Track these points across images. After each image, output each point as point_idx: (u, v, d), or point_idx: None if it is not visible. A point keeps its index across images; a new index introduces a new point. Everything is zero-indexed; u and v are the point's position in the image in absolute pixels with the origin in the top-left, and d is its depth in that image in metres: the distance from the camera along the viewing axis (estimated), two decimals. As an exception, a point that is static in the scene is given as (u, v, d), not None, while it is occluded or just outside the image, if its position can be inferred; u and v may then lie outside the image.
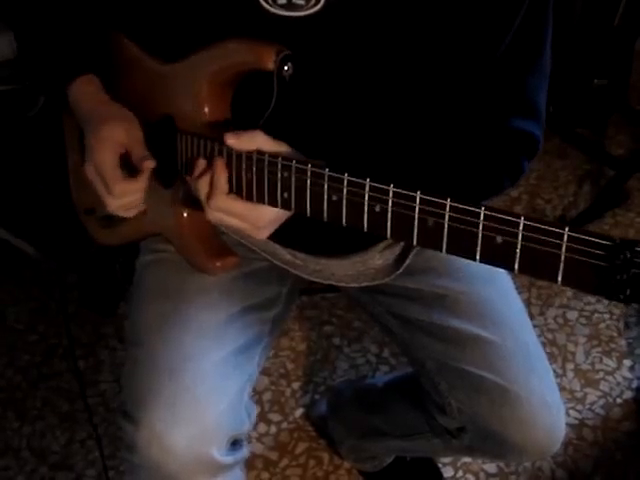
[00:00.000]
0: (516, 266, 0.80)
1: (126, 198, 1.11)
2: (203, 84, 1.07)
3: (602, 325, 2.13)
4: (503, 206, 2.53)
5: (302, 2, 1.01)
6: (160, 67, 1.15)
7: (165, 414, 1.10)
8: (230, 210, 1.03)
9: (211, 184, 1.02)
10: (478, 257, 0.83)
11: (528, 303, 2.16)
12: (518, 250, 0.79)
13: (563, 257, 0.76)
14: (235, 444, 1.20)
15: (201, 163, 1.04)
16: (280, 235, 1.08)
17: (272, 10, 1.03)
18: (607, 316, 2.15)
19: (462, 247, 0.84)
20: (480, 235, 0.82)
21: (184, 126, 1.11)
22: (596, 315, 2.15)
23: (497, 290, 1.24)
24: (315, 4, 1.01)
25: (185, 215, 1.15)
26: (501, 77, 1.09)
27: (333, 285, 1.28)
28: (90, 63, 1.17)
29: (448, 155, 1.14)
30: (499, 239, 0.80)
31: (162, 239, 1.21)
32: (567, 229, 0.76)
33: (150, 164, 1.10)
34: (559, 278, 0.77)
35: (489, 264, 0.83)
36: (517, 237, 0.79)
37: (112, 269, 2.06)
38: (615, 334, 2.11)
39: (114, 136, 1.10)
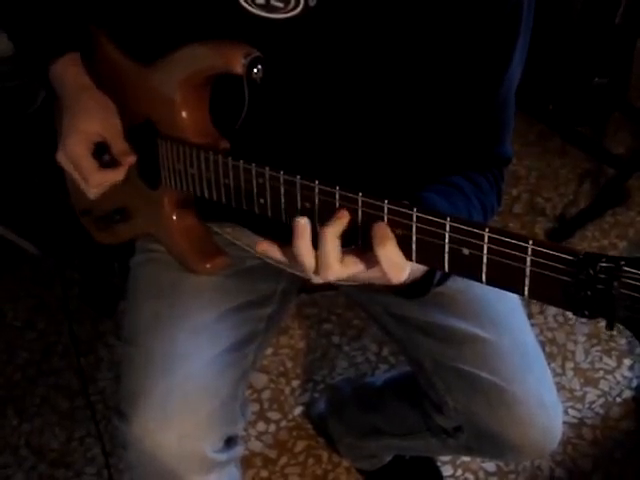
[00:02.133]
0: (483, 278, 0.79)
1: (103, 187, 1.12)
2: (176, 90, 1.06)
3: (602, 324, 2.10)
4: (503, 205, 2.52)
5: (281, 5, 1.00)
6: (137, 69, 1.14)
7: (157, 412, 1.10)
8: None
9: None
10: (447, 268, 0.82)
11: (528, 302, 2.15)
12: (484, 263, 0.78)
13: (528, 271, 0.74)
14: (230, 441, 1.20)
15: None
16: (275, 233, 1.08)
17: (251, 10, 1.02)
18: (607, 315, 2.14)
19: (430, 258, 0.83)
20: (447, 247, 0.80)
21: (164, 130, 1.10)
22: (596, 314, 2.15)
23: (495, 289, 1.23)
24: (293, 8, 1.01)
25: (174, 218, 1.15)
26: (491, 103, 1.09)
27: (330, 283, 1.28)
28: (73, 43, 1.16)
29: (431, 168, 1.13)
30: (466, 251, 0.79)
31: (155, 239, 1.22)
32: (531, 242, 0.74)
33: (131, 159, 1.11)
34: (525, 292, 0.76)
35: (458, 275, 0.82)
36: (482, 250, 0.77)
37: (111, 268, 2.06)
38: (615, 333, 2.10)
39: (89, 126, 1.10)
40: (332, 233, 0.85)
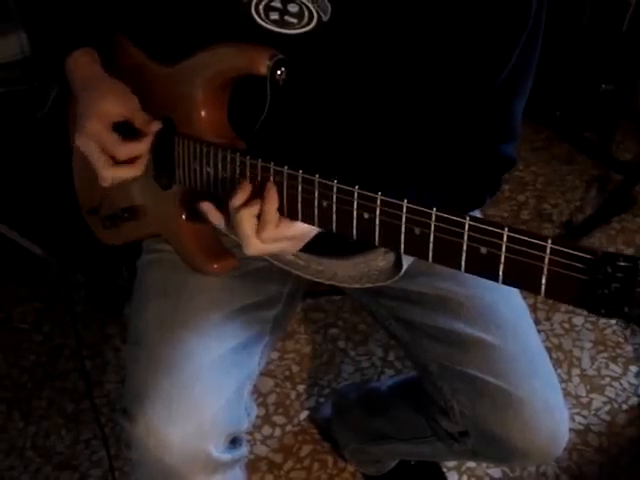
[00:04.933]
0: (500, 277, 0.80)
1: (127, 168, 1.10)
2: (198, 89, 1.07)
3: (608, 331, 2.13)
4: (510, 211, 2.53)
5: (294, 21, 1.03)
6: (158, 70, 1.15)
7: (162, 410, 1.11)
8: (279, 237, 1.02)
9: (260, 216, 0.99)
10: (463, 267, 0.83)
11: (534, 308, 2.15)
12: (502, 261, 0.79)
13: (546, 269, 0.75)
14: (234, 442, 1.21)
15: (244, 190, 1.00)
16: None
17: (265, 25, 1.04)
18: (613, 322, 2.14)
19: (447, 257, 0.84)
20: (465, 246, 0.81)
21: (182, 129, 1.11)
22: (602, 320, 2.14)
23: (501, 293, 1.24)
24: (307, 24, 1.03)
25: (183, 217, 1.15)
26: (491, 108, 1.11)
27: (336, 286, 1.29)
28: (91, 39, 1.17)
29: (435, 171, 1.16)
30: (483, 250, 0.80)
31: (162, 239, 1.22)
32: (549, 241, 0.75)
33: (156, 125, 1.10)
34: (542, 290, 0.76)
35: (474, 274, 0.83)
36: (501, 248, 0.79)
37: (118, 270, 2.07)
38: (621, 340, 2.10)
39: (108, 106, 1.09)
40: (247, 214, 0.98)
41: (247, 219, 0.99)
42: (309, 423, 1.92)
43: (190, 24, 1.11)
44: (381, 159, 1.14)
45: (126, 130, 1.10)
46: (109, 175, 1.09)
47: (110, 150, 1.08)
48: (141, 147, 1.10)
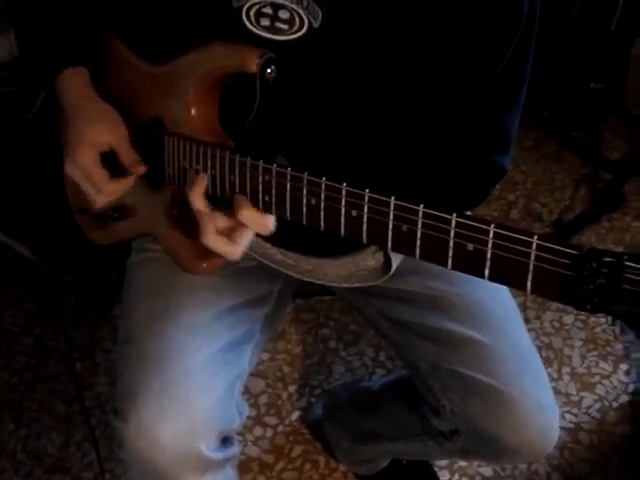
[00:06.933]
0: (486, 274, 0.80)
1: (115, 196, 1.14)
2: (189, 87, 1.08)
3: (598, 329, 2.13)
4: (500, 210, 2.54)
5: (285, 27, 1.03)
6: (148, 69, 1.16)
7: (153, 409, 1.11)
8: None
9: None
10: (450, 264, 0.83)
11: (524, 307, 2.16)
12: (488, 258, 0.79)
13: (532, 266, 0.76)
14: (225, 441, 1.20)
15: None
16: (271, 235, 1.09)
17: (256, 31, 1.05)
18: (603, 320, 2.15)
19: (434, 254, 0.84)
20: (452, 242, 0.82)
21: (172, 128, 1.12)
22: (592, 319, 2.15)
23: (491, 292, 1.24)
24: (298, 30, 1.03)
25: (173, 217, 1.15)
26: (484, 116, 1.12)
27: (326, 286, 1.29)
28: (82, 56, 1.17)
29: (424, 173, 1.16)
30: (470, 246, 0.80)
31: (153, 239, 1.22)
32: (536, 237, 0.75)
33: (141, 170, 1.13)
34: (528, 287, 0.77)
35: (460, 271, 0.83)
36: (487, 245, 0.79)
37: (107, 270, 2.06)
38: (611, 338, 2.11)
39: (97, 136, 1.11)
40: (211, 231, 1.03)
41: (215, 243, 1.04)
42: (300, 424, 1.92)
43: (181, 29, 1.11)
44: (370, 161, 1.14)
45: (112, 159, 1.13)
46: (99, 199, 1.14)
47: (96, 185, 1.12)
48: (125, 185, 1.14)
